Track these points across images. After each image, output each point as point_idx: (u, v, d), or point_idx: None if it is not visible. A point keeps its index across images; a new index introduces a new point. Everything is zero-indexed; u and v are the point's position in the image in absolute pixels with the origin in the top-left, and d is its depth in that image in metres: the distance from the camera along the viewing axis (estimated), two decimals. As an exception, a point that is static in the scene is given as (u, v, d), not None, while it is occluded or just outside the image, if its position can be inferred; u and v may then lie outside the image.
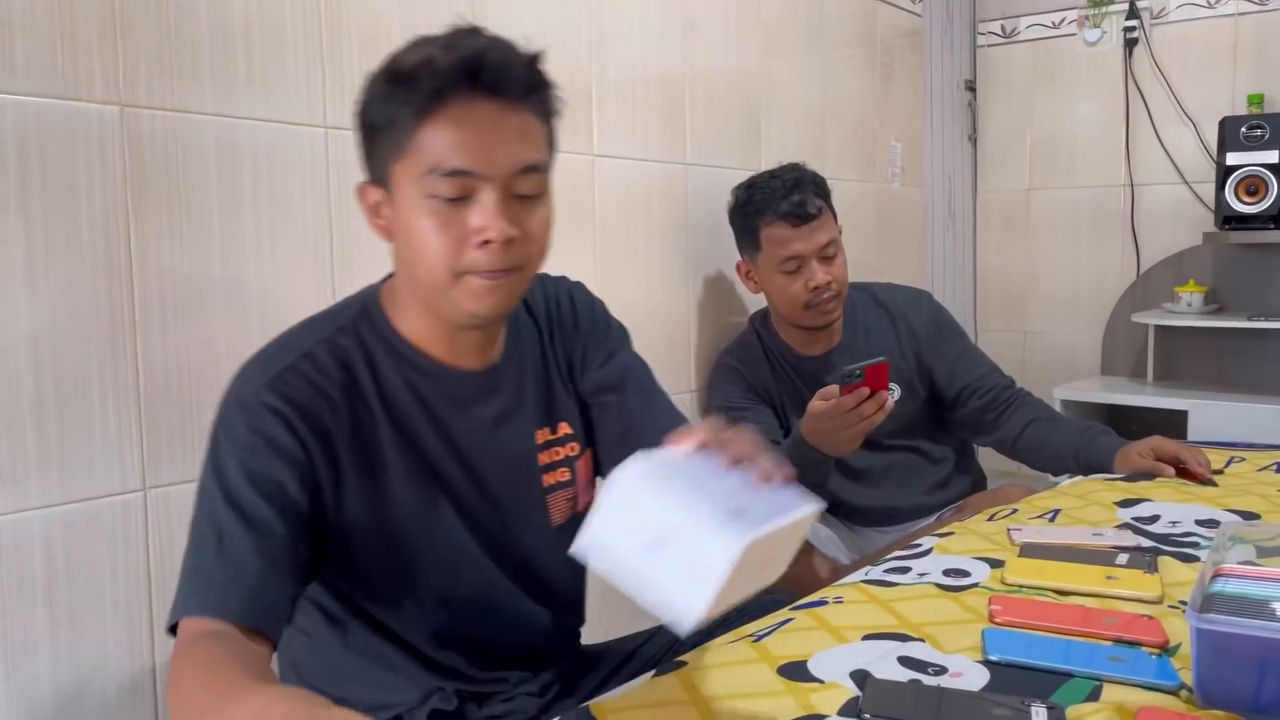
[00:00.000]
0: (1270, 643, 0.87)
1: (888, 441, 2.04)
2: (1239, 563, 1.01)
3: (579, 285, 1.28)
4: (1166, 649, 1.01)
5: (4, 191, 1.28)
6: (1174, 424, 2.69)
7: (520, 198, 1.01)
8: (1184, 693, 0.91)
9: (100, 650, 1.42)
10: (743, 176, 2.13)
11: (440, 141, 0.97)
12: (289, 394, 1.01)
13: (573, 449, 1.21)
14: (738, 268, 2.16)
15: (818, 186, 2.03)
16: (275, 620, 0.96)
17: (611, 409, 1.22)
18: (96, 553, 1.41)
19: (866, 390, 1.64)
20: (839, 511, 2.11)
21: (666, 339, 2.22)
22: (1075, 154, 3.22)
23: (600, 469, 1.25)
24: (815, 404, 1.69)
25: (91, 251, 1.38)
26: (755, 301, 2.23)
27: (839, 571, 2.00)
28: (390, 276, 1.13)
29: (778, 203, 1.99)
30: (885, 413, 1.67)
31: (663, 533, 0.70)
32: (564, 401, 1.22)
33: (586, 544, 0.72)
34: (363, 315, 1.10)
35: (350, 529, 1.06)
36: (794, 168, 2.06)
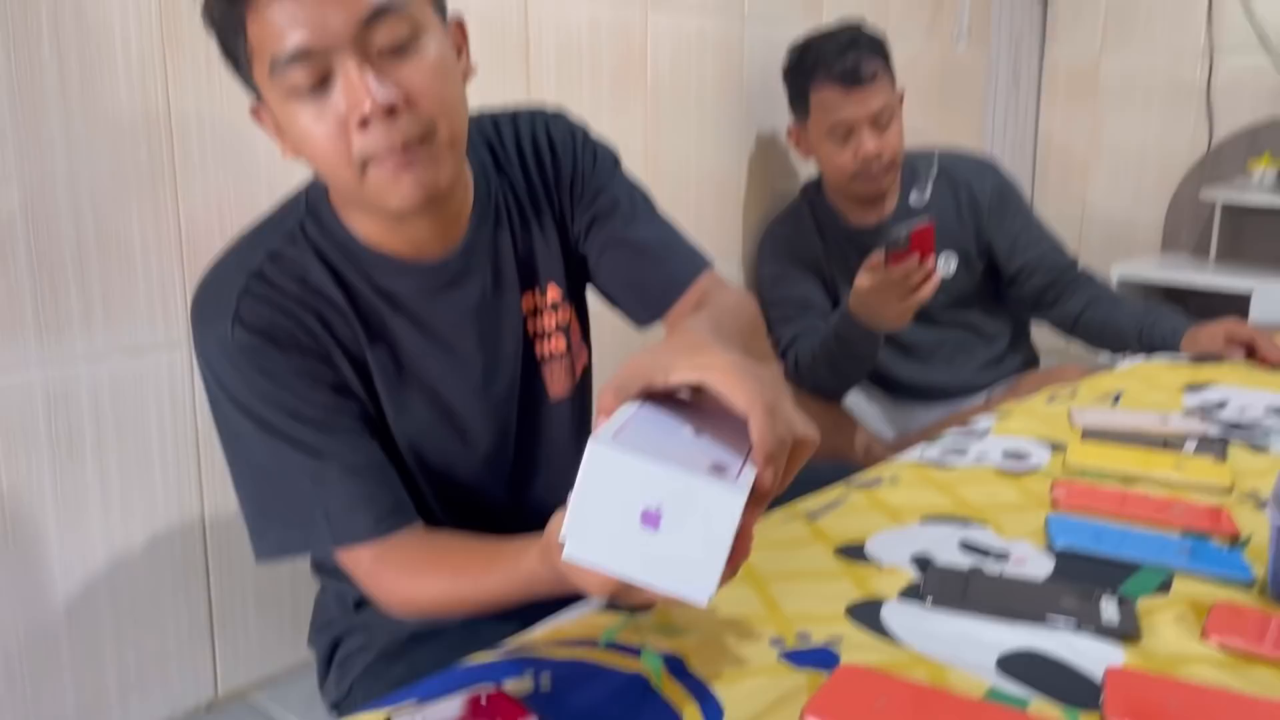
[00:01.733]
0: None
1: (941, 316, 1.98)
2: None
3: (557, 117, 1.11)
4: (1237, 541, 0.98)
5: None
6: (1236, 307, 2.60)
7: (389, 52, 0.85)
8: (1256, 587, 0.88)
9: (150, 505, 1.43)
10: (802, 34, 2.02)
11: (267, 29, 0.83)
12: (260, 326, 0.91)
13: (564, 313, 1.11)
14: (789, 133, 2.07)
15: (875, 47, 1.92)
16: (410, 509, 0.95)
17: (606, 253, 1.10)
18: (143, 407, 1.40)
19: (915, 258, 1.57)
20: (884, 385, 2.07)
21: (715, 206, 2.15)
22: (1153, 17, 3.04)
23: (617, 303, 1.14)
24: (862, 278, 1.63)
25: (129, 96, 1.33)
26: (811, 170, 2.15)
27: (876, 446, 1.97)
28: None
29: (830, 64, 1.89)
30: (934, 285, 1.61)
31: (653, 505, 0.60)
32: (549, 259, 1.09)
33: (571, 539, 0.61)
34: (311, 218, 0.98)
35: None
36: (852, 27, 1.95)
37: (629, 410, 0.65)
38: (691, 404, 0.69)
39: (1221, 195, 2.81)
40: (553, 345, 1.11)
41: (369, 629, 1.10)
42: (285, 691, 1.38)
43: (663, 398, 0.68)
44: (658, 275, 1.10)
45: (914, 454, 1.24)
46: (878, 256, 1.60)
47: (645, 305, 1.11)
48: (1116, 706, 0.68)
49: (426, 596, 0.92)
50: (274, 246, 0.95)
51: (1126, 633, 0.78)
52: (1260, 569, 0.90)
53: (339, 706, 1.14)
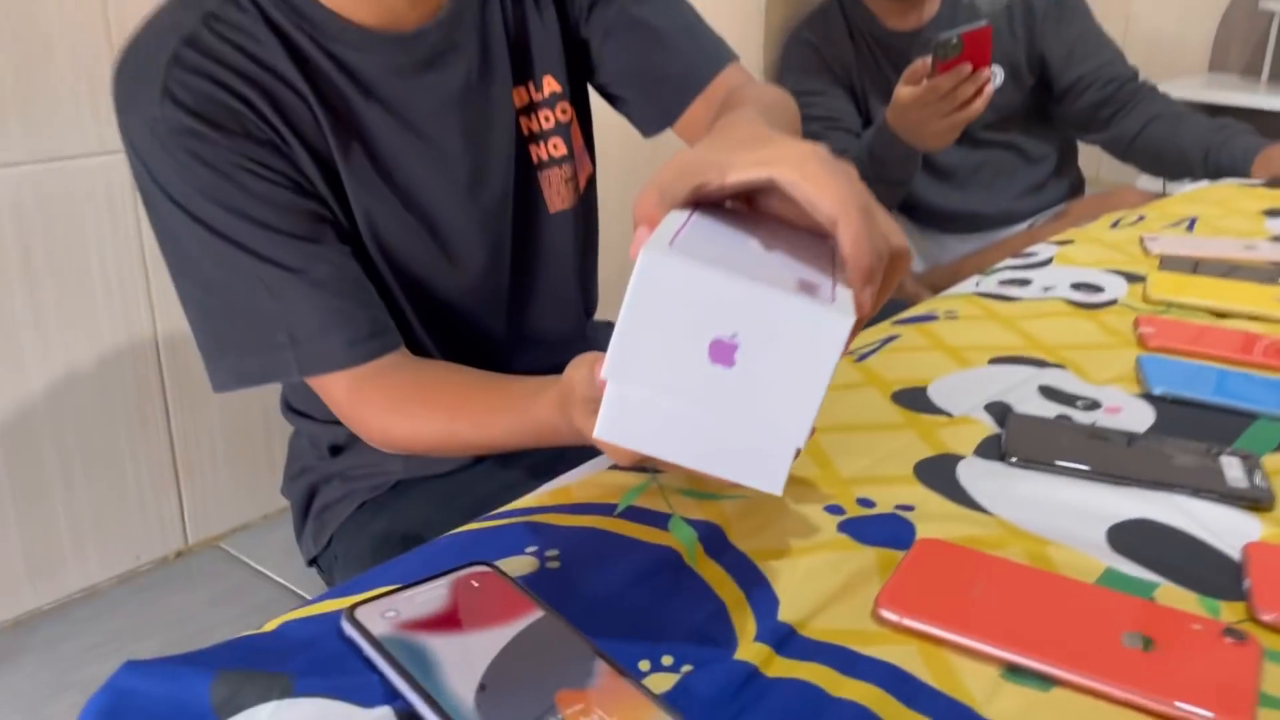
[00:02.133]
0: None
1: (982, 135, 1.78)
2: None
3: None
4: (1358, 386, 0.83)
5: None
6: (1289, 129, 2.40)
7: None
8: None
9: (93, 335, 1.28)
10: None
11: None
12: (194, 103, 0.74)
13: (564, 112, 0.94)
14: None
15: None
16: (392, 331, 0.81)
17: (611, 38, 0.92)
18: (77, 222, 1.23)
19: (967, 67, 1.38)
20: (913, 214, 1.90)
21: (731, 6, 1.92)
22: None
23: (622, 101, 0.97)
24: (903, 89, 1.44)
25: None
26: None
27: (908, 282, 1.81)
28: None
29: None
30: (986, 100, 1.43)
31: (727, 333, 0.44)
32: (546, 46, 0.92)
33: (608, 408, 0.46)
34: None
35: None
36: None
37: (679, 218, 0.49)
38: (748, 215, 0.53)
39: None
40: (551, 149, 0.93)
41: (348, 477, 0.97)
42: (261, 540, 1.26)
43: (712, 207, 0.52)
44: (673, 65, 0.92)
45: (967, 286, 1.08)
46: (923, 64, 1.40)
47: (656, 103, 0.94)
48: (1267, 595, 0.54)
49: (416, 436, 0.79)
50: (210, 7, 0.76)
51: (1258, 500, 0.64)
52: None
53: (318, 561, 1.02)
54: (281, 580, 1.16)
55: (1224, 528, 0.61)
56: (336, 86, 0.80)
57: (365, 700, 0.46)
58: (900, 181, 1.62)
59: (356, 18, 0.80)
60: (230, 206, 0.74)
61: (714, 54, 0.93)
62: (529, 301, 0.96)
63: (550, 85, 0.92)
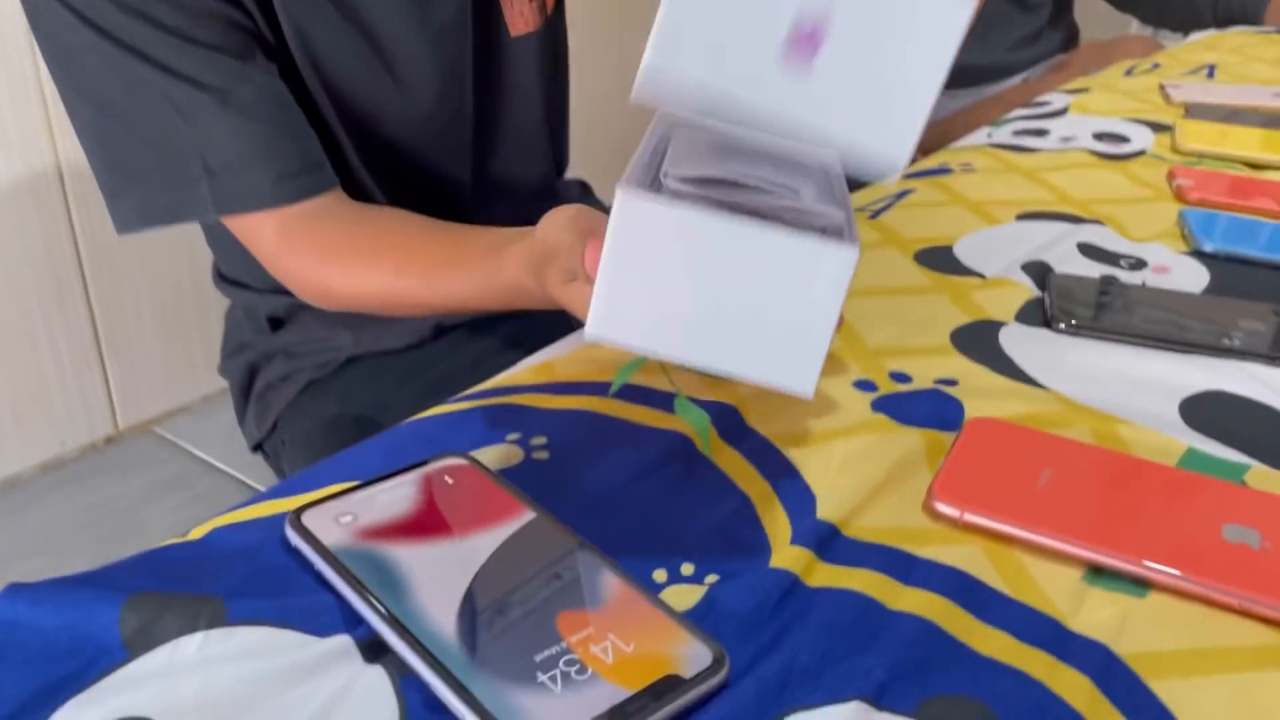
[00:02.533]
0: None
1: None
2: None
3: None
4: None
5: None
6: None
7: None
8: None
9: None
10: None
11: None
12: None
13: None
14: None
15: None
16: (325, 168, 0.70)
17: None
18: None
19: None
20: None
21: None
22: None
23: None
24: None
25: None
26: None
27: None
28: None
29: None
30: None
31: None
32: None
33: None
34: None
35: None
36: None
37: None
38: None
39: None
40: None
41: (292, 354, 0.87)
42: (201, 423, 1.16)
43: None
44: None
45: (978, 138, 0.98)
46: None
47: None
48: (1377, 476, 0.46)
49: (356, 290, 0.69)
50: None
51: (1340, 365, 0.56)
52: None
53: (263, 446, 0.92)
54: (225, 467, 1.07)
55: (1308, 399, 0.54)
56: None
57: (317, 628, 0.37)
58: None
59: None
60: (134, 8, 0.61)
61: None
62: (492, 144, 0.85)
63: None
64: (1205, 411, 0.52)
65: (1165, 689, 0.35)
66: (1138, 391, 0.54)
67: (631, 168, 0.39)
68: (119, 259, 1.23)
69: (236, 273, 0.87)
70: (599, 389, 0.53)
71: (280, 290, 0.80)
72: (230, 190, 0.65)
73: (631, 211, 0.37)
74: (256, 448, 0.93)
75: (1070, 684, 0.35)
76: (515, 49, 0.82)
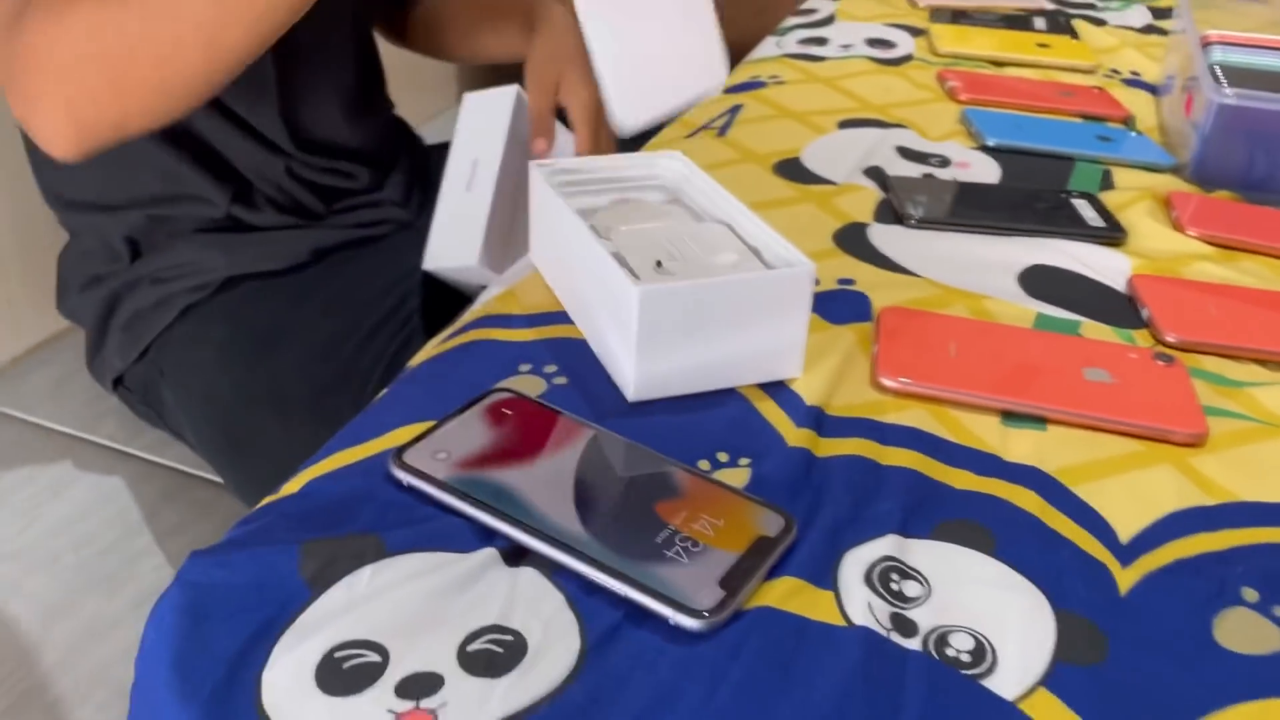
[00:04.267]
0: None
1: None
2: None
3: None
4: (1129, 122, 0.95)
5: None
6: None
7: None
8: (1182, 171, 0.86)
9: None
10: None
11: None
12: None
13: None
14: None
15: None
16: None
17: None
18: None
19: None
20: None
21: None
22: None
23: None
24: None
25: None
26: None
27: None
28: None
29: None
30: None
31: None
32: None
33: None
34: None
35: None
36: None
37: None
38: None
39: None
40: None
41: (160, 279, 0.87)
42: (18, 385, 1.11)
43: None
44: None
45: (767, 49, 1.09)
46: None
47: None
48: (1166, 320, 0.63)
49: (58, 36, 0.60)
50: None
51: (1114, 234, 0.73)
52: (1169, 155, 0.88)
53: (123, 379, 0.92)
54: (64, 429, 1.04)
55: (1102, 265, 0.70)
56: None
57: (462, 545, 0.44)
58: None
59: None
60: None
61: None
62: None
63: None
64: (1037, 282, 0.67)
65: (1084, 492, 0.50)
66: (984, 271, 0.68)
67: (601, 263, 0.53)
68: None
69: (82, 192, 0.86)
70: (566, 318, 0.61)
71: (134, 203, 0.79)
72: None
73: (650, 298, 0.50)
74: (117, 381, 0.92)
75: (1025, 499, 0.49)
76: None
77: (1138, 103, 0.99)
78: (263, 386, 0.82)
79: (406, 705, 0.37)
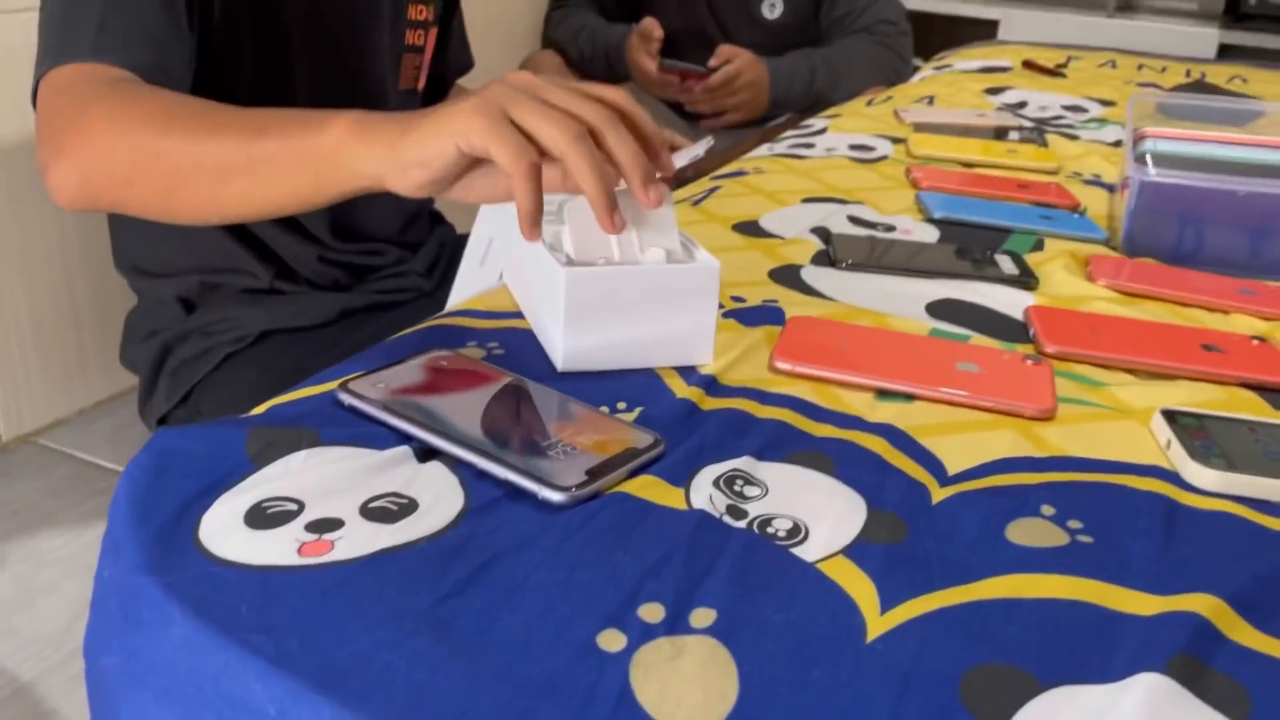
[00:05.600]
0: (1203, 194, 0.90)
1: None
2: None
3: None
4: (1078, 209, 1.04)
5: None
6: (984, 33, 2.73)
7: None
8: (1112, 244, 0.94)
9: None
10: None
11: None
12: None
13: (432, 13, 1.07)
14: None
15: None
16: (182, 86, 0.80)
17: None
18: None
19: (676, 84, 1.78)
20: (681, 111, 2.04)
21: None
22: None
23: None
24: (648, 64, 1.81)
25: None
26: None
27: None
28: None
29: None
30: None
31: None
32: None
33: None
34: None
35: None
36: None
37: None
38: None
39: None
40: (416, 37, 1.03)
41: (207, 333, 1.00)
42: (82, 433, 1.24)
43: None
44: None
45: (761, 152, 1.22)
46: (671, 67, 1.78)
47: None
48: (1048, 335, 0.71)
49: (106, 149, 0.67)
50: None
51: (1026, 280, 0.82)
52: (1105, 232, 0.97)
53: (167, 419, 1.04)
54: (117, 467, 1.16)
55: (1008, 301, 0.78)
56: None
57: (383, 444, 0.53)
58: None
59: None
60: None
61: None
62: None
63: None
64: (942, 309, 0.76)
65: (928, 442, 0.57)
66: (897, 301, 0.77)
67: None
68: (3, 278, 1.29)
69: (151, 261, 0.99)
70: (519, 314, 0.71)
71: (192, 270, 0.93)
72: (94, 45, 0.74)
73: (575, 279, 0.59)
74: (161, 422, 1.04)
75: (873, 443, 0.57)
76: (401, 101, 1.02)
77: (1093, 197, 1.08)
78: None
79: (310, 537, 0.46)
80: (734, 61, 1.77)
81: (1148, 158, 0.95)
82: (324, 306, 1.05)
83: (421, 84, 1.09)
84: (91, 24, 0.75)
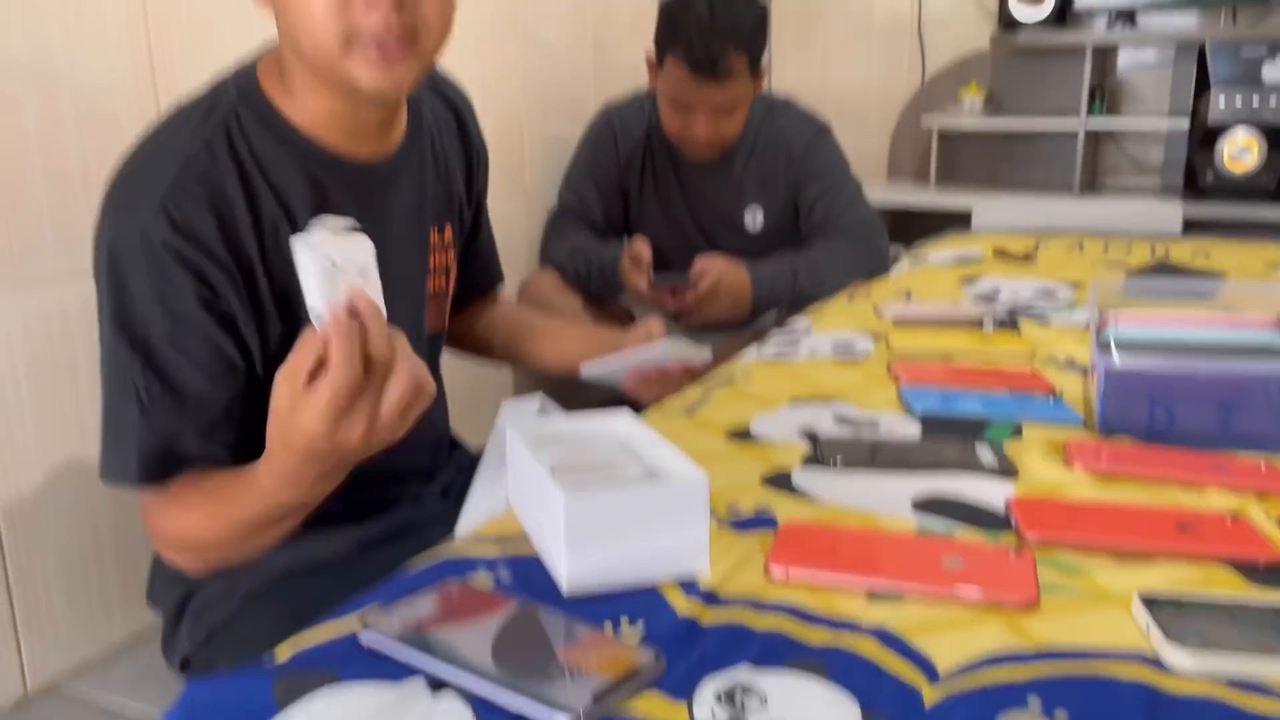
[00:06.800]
0: (1169, 377, 0.95)
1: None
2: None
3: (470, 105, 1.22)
4: (1054, 394, 1.09)
5: None
6: (958, 222, 2.86)
7: None
8: (1087, 426, 0.99)
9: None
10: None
11: None
12: (190, 226, 0.88)
13: (451, 259, 1.16)
14: (647, 57, 1.98)
15: (745, 38, 1.83)
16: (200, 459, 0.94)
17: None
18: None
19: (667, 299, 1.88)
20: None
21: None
22: (865, -40, 3.26)
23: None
24: (640, 282, 1.88)
25: None
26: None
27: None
28: (267, 54, 0.98)
29: (689, 44, 1.81)
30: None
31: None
32: (451, 204, 1.14)
33: None
34: (244, 101, 0.94)
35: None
36: (737, 3, 1.84)
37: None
38: None
39: (936, 122, 3.07)
40: (438, 283, 1.12)
41: (229, 575, 1.03)
42: (107, 674, 1.26)
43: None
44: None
45: (749, 355, 1.29)
46: (661, 283, 1.87)
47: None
48: (1029, 524, 0.75)
49: (193, 531, 0.93)
50: (208, 133, 0.91)
51: (1006, 470, 0.86)
52: (1080, 415, 1.02)
53: (191, 661, 1.05)
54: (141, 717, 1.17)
55: (990, 493, 0.82)
56: (300, 201, 0.94)
57: (397, 676, 0.56)
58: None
59: (328, 140, 0.96)
60: (166, 326, 0.89)
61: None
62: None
63: (449, 233, 1.13)
64: (928, 504, 0.80)
65: (919, 643, 0.60)
66: (884, 499, 0.81)
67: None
68: (34, 524, 1.33)
69: None
70: (524, 538, 0.75)
71: None
72: (133, 468, 0.92)
73: (574, 503, 0.65)
74: (184, 664, 1.06)
75: (867, 646, 0.60)
76: (428, 344, 1.11)
77: (1068, 381, 1.13)
78: None
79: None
80: (710, 272, 1.84)
81: (1111, 344, 1.00)
82: (343, 539, 1.08)
83: (446, 324, 1.18)
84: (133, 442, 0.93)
